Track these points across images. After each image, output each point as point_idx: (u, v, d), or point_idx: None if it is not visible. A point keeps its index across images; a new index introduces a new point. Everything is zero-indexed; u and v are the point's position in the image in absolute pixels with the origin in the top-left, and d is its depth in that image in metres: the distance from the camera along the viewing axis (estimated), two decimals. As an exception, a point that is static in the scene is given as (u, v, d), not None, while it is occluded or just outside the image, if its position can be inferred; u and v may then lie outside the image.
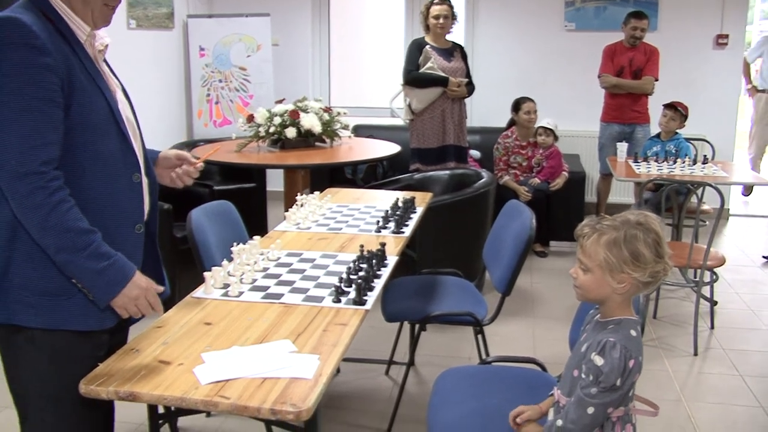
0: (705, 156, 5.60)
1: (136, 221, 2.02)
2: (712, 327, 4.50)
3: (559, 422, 1.86)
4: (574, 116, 6.98)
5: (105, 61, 2.04)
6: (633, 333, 1.86)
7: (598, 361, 1.79)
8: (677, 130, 5.75)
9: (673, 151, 5.59)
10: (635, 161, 5.47)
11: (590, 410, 1.81)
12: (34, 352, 1.92)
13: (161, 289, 2.01)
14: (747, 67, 7.76)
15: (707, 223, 6.06)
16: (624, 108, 6.19)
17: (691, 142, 6.26)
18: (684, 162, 5.30)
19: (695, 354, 4.12)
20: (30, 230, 1.78)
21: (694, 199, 4.36)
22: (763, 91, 7.87)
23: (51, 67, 1.73)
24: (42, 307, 1.87)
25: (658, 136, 5.87)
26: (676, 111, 5.65)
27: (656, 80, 6.10)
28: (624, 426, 1.91)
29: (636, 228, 1.84)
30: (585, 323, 2.05)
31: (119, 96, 2.04)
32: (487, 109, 7.13)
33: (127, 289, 1.90)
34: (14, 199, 1.74)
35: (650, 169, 5.17)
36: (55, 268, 1.84)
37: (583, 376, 1.84)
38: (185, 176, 2.32)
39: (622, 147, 5.64)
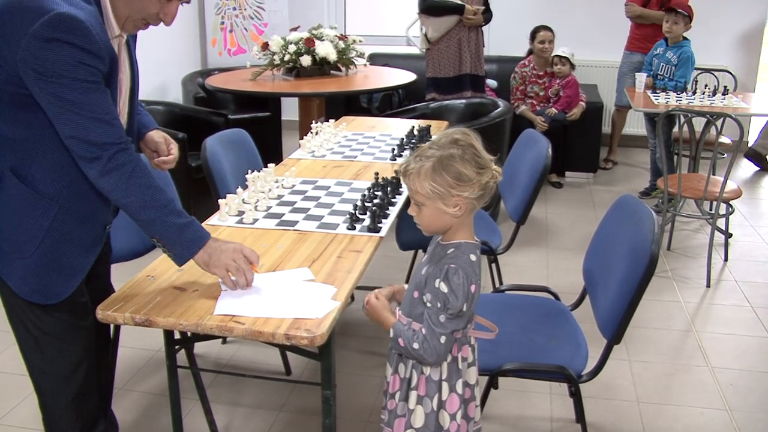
0: (725, 87, 5.50)
1: (106, 222, 2.03)
2: (726, 259, 4.50)
3: (416, 345, 1.84)
4: (593, 45, 6.85)
5: (127, 41, 2.01)
6: (473, 257, 1.84)
7: (444, 287, 1.78)
8: (685, 36, 5.52)
9: (674, 61, 5.43)
10: (654, 92, 5.39)
11: (442, 339, 1.81)
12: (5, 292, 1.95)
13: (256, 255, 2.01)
14: None
15: (725, 155, 6.01)
16: (649, 38, 6.02)
17: (713, 72, 6.15)
18: (703, 93, 5.21)
19: (708, 286, 4.13)
20: (111, 193, 1.80)
21: (712, 131, 4.29)
22: None
23: (101, 70, 1.76)
24: (3, 255, 1.88)
25: (666, 40, 5.60)
26: (678, 13, 5.35)
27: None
28: (461, 347, 1.93)
29: (451, 147, 1.80)
30: (431, 243, 2.00)
31: (124, 85, 2.02)
32: (505, 38, 6.99)
33: (218, 248, 1.91)
34: (96, 165, 1.76)
35: (669, 100, 5.10)
36: (26, 221, 1.84)
37: (429, 304, 1.83)
38: (161, 165, 2.25)
39: (641, 77, 5.52)
